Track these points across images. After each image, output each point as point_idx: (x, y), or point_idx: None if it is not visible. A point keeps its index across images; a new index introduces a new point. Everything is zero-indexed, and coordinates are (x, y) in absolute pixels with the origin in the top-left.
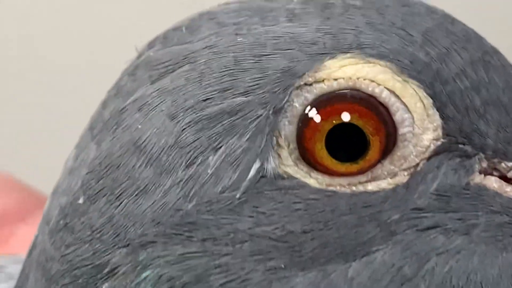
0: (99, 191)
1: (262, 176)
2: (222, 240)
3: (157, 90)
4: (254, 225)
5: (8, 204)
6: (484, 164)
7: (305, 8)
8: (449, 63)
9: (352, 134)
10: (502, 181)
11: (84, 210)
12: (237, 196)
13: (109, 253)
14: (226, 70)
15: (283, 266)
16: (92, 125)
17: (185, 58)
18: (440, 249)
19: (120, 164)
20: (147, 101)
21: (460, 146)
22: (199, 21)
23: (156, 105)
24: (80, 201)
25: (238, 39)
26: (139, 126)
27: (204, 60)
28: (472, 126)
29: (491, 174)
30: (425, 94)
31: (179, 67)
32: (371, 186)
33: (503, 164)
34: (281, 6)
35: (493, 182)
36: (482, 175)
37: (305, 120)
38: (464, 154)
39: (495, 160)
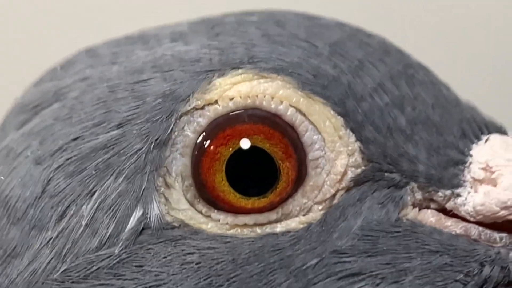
0: None
1: (145, 227)
2: None
3: (22, 135)
4: None
5: None
6: (418, 195)
7: (194, 28)
8: (363, 76)
9: (258, 161)
10: (441, 214)
11: None
12: (116, 252)
13: None
14: (99, 103)
15: None
16: None
17: (55, 95)
18: None
19: None
20: (12, 148)
21: (387, 174)
22: (75, 57)
23: (21, 151)
24: None
25: (113, 68)
26: (2, 178)
27: (75, 95)
28: (398, 149)
29: (427, 207)
30: (332, 112)
31: (48, 106)
32: (279, 227)
33: (440, 193)
34: (169, 29)
35: (429, 216)
36: (417, 209)
37: (200, 148)
38: (392, 183)
39: (431, 189)
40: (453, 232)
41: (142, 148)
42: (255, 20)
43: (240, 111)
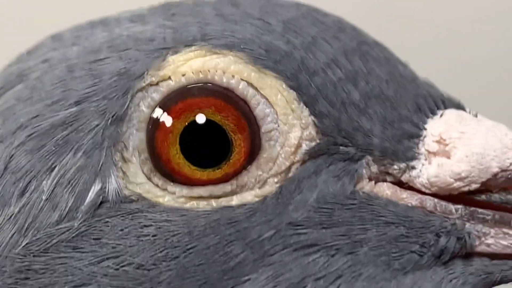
0: None
1: (103, 201)
2: (61, 285)
3: None
4: (95, 261)
5: None
6: (374, 169)
7: (152, 10)
8: (316, 52)
9: (212, 135)
10: (396, 187)
11: None
12: (75, 225)
13: None
14: (58, 82)
15: None
16: None
17: (18, 77)
18: (318, 273)
19: None
20: None
21: (342, 148)
22: (41, 42)
23: None
24: None
25: (73, 49)
26: None
27: (36, 76)
28: (352, 123)
29: (383, 180)
30: (284, 86)
31: (11, 88)
32: (235, 200)
33: (395, 166)
34: (130, 12)
35: (385, 189)
36: (372, 182)
37: (154, 122)
38: (347, 157)
39: (386, 162)
40: (409, 204)
41: (100, 124)
42: (211, 1)
43: (192, 86)
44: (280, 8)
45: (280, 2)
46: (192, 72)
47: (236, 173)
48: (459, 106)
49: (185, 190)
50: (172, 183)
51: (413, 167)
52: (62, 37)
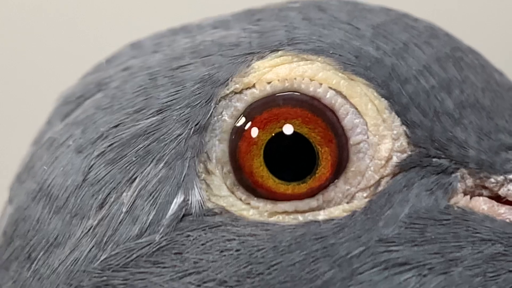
0: (10, 254)
1: (185, 214)
2: None
3: (65, 125)
4: (176, 276)
5: None
6: (469, 182)
7: (236, 16)
8: (408, 58)
9: (297, 147)
10: (493, 201)
11: None
12: (156, 239)
13: None
14: (139, 90)
15: None
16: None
17: (97, 86)
18: None
19: (27, 216)
20: (55, 138)
21: (435, 160)
22: (120, 51)
23: (63, 141)
24: None
25: (155, 57)
26: (45, 168)
27: (117, 84)
28: (446, 133)
29: (479, 195)
30: (376, 94)
31: (91, 96)
32: (322, 215)
33: (492, 179)
34: (212, 19)
35: (481, 204)
36: (468, 197)
37: (238, 132)
38: (440, 169)
39: (482, 175)
40: (507, 220)
41: (182, 133)
42: (297, 6)
43: (277, 95)
44: (368, 12)
45: (368, 6)
46: (278, 80)
47: (321, 188)
48: None
49: (269, 205)
50: (255, 198)
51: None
52: (142, 45)
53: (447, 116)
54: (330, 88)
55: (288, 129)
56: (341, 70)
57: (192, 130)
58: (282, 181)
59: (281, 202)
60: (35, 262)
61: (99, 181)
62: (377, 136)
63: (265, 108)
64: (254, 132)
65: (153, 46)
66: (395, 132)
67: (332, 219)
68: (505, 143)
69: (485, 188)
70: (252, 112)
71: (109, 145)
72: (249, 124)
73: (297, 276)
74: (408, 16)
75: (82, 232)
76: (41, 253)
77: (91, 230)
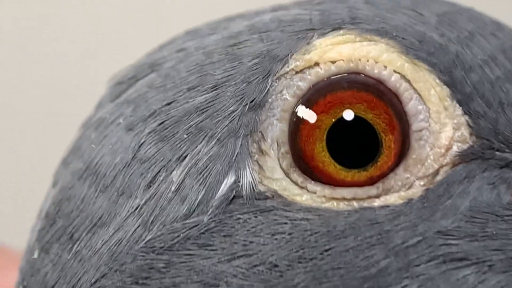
0: (52, 236)
1: (236, 196)
2: (186, 285)
3: (116, 104)
4: (225, 259)
5: None
6: None
7: (296, 1)
8: (473, 47)
9: (360, 133)
10: None
11: (38, 266)
12: (204, 220)
13: None
14: (194, 68)
15: None
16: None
17: (151, 66)
18: None
19: (72, 196)
20: (105, 118)
21: (498, 153)
22: (176, 36)
23: (113, 119)
24: (35, 255)
25: (211, 38)
26: (93, 146)
27: (171, 64)
28: (511, 126)
29: None
30: (438, 81)
31: (143, 77)
32: (377, 201)
33: None
34: (271, 5)
35: None
36: None
37: (300, 114)
38: (504, 163)
39: None
40: None
41: (236, 110)
42: None
43: (342, 76)
44: (433, 2)
45: None
46: (343, 60)
47: (382, 176)
48: None
49: (327, 190)
50: (313, 182)
51: None
52: (198, 30)
53: None
54: (395, 71)
55: (351, 114)
56: (404, 53)
57: (247, 106)
58: (343, 168)
59: (340, 188)
60: (77, 243)
61: (149, 159)
62: (438, 124)
63: (330, 90)
64: (318, 115)
65: (209, 30)
66: (455, 121)
67: (388, 206)
68: None
69: None
70: (316, 94)
71: (161, 123)
72: (313, 106)
73: (350, 262)
74: (474, 10)
75: (128, 211)
76: (84, 234)
77: (137, 210)
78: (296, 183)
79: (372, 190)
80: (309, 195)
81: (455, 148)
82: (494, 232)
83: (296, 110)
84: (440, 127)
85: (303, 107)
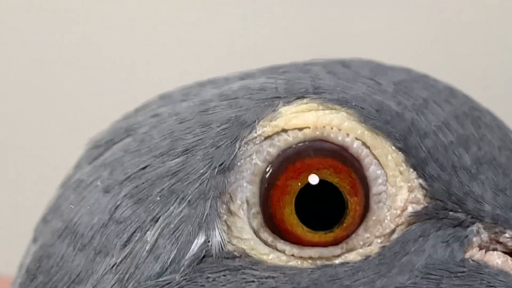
0: None
1: (206, 255)
2: None
3: (94, 167)
4: None
5: None
6: (484, 236)
7: (262, 70)
8: (427, 114)
9: (326, 196)
10: (507, 256)
11: None
12: (176, 278)
13: None
14: (167, 133)
15: None
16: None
17: (126, 131)
18: None
19: (52, 254)
20: (83, 180)
21: (451, 213)
22: (149, 101)
23: (91, 181)
24: None
25: (183, 104)
26: (72, 207)
27: (145, 130)
28: (463, 188)
29: (494, 249)
30: (393, 147)
31: (120, 141)
32: (338, 259)
33: (506, 234)
34: (239, 73)
35: (495, 258)
36: (483, 250)
37: (271, 179)
38: (457, 223)
39: (497, 230)
40: None
41: (206, 173)
42: (321, 62)
43: (308, 143)
44: (390, 71)
45: (390, 65)
46: (309, 127)
47: (346, 236)
48: None
49: (295, 250)
50: (282, 241)
51: None
52: (171, 95)
53: (464, 171)
54: (357, 138)
55: (318, 179)
56: (362, 122)
57: (216, 170)
58: (310, 230)
59: (308, 248)
60: None
61: (124, 220)
62: (395, 187)
63: (298, 158)
64: (288, 181)
65: (181, 96)
66: (410, 184)
67: (348, 262)
68: None
69: (500, 243)
70: (286, 161)
71: (136, 186)
72: (283, 172)
73: None
74: (429, 77)
75: (105, 269)
76: None
77: (114, 268)
78: (265, 242)
79: (336, 250)
80: (276, 254)
81: (410, 209)
82: None
83: (266, 176)
84: (396, 190)
85: (273, 173)
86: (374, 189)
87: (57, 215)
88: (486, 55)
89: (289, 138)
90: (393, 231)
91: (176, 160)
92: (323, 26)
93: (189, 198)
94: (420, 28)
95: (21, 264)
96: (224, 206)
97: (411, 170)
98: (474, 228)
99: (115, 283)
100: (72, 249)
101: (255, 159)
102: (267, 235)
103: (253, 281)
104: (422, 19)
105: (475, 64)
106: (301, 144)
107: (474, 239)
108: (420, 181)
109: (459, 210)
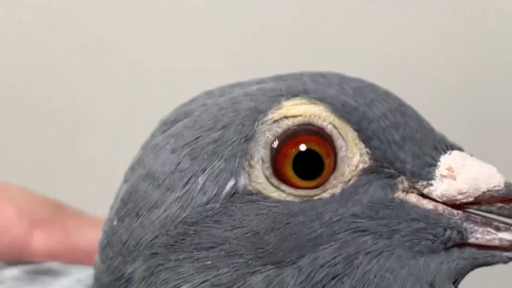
0: (125, 213)
1: (235, 192)
2: (202, 245)
3: (164, 136)
4: (228, 229)
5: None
6: (406, 184)
7: (271, 77)
8: (373, 108)
9: (311, 158)
10: (419, 196)
11: (117, 230)
12: (217, 206)
13: (132, 262)
14: (211, 116)
15: (249, 262)
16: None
17: (185, 114)
18: (367, 249)
19: (138, 190)
20: (157, 144)
21: (386, 170)
22: (198, 96)
23: (163, 146)
24: (115, 223)
25: (221, 99)
26: (151, 161)
27: (197, 113)
28: (394, 154)
29: (412, 192)
30: (351, 129)
31: (181, 120)
32: (316, 196)
33: (419, 183)
34: (256, 80)
35: (412, 198)
36: (405, 193)
37: (277, 148)
38: (389, 175)
39: (413, 180)
40: (427, 208)
41: (236, 141)
42: (308, 74)
43: (301, 125)
44: (351, 80)
45: (351, 77)
46: (301, 116)
47: (323, 182)
48: (461, 149)
49: (291, 190)
50: (283, 185)
51: (431, 184)
52: (213, 92)
53: (395, 144)
54: (330, 123)
55: (307, 148)
56: (334, 113)
57: (243, 139)
58: (301, 179)
59: (300, 189)
60: (141, 217)
61: (184, 169)
62: (351, 153)
63: (294, 135)
64: (288, 150)
65: (219, 93)
66: (361, 151)
67: (322, 198)
68: (428, 162)
69: (415, 188)
70: (287, 137)
71: (192, 149)
72: (285, 144)
73: (301, 231)
74: (374, 85)
75: (172, 199)
76: (145, 212)
77: (177, 199)
78: (273, 185)
79: (317, 191)
80: (279, 193)
81: (360, 167)
82: (383, 216)
83: (274, 146)
84: (352, 155)
85: (279, 144)
86: (340, 154)
87: (140, 166)
88: (486, 55)
89: (289, 122)
90: (350, 180)
91: (217, 133)
92: (323, 26)
93: (225, 156)
94: (420, 28)
95: (116, 196)
96: (247, 162)
97: (362, 143)
98: (399, 179)
99: (178, 209)
100: (151, 187)
101: (267, 134)
102: (274, 180)
103: (264, 208)
104: (422, 19)
105: (475, 64)
106: (296, 126)
107: (400, 185)
108: (367, 150)
109: (391, 168)
